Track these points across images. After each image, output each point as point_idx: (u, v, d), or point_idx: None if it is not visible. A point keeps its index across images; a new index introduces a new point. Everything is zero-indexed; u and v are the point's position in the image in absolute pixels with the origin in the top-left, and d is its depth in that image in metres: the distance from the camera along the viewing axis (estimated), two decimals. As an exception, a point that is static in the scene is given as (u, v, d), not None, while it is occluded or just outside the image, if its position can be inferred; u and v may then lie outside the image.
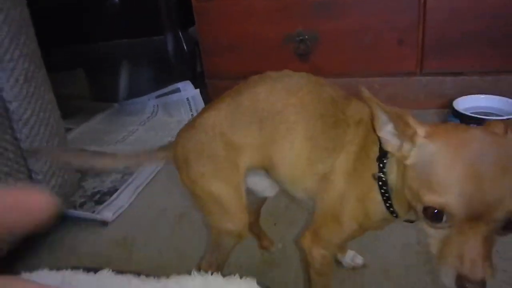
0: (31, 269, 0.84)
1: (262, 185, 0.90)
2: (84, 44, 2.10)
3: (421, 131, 0.57)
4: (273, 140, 0.78)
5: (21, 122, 1.07)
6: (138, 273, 0.81)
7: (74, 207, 1.42)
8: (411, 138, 0.57)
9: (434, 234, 0.55)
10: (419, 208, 0.55)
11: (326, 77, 2.05)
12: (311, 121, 0.76)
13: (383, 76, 1.87)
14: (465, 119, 1.57)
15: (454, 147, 0.53)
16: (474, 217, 0.50)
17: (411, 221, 0.70)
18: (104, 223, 1.33)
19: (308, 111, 0.76)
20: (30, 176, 1.12)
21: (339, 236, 0.78)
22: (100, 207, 1.40)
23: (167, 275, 0.81)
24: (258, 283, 0.73)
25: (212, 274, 0.77)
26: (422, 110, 1.81)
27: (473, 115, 1.58)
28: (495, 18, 1.68)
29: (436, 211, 0.52)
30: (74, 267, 0.83)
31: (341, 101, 0.76)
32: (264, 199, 1.04)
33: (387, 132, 0.61)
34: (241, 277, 0.74)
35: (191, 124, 0.85)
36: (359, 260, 1.06)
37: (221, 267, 0.94)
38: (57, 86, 2.56)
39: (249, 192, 0.87)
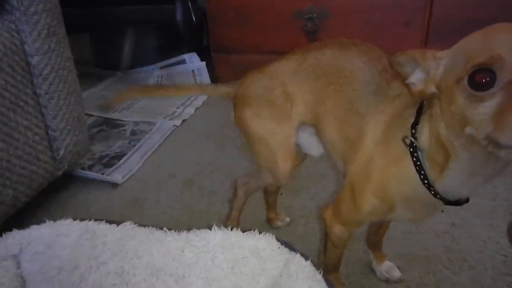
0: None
1: (309, 143, 0.92)
2: (91, 8, 2.08)
3: (439, 53, 0.60)
4: (322, 98, 0.82)
5: (41, 77, 1.09)
6: (159, 226, 0.85)
7: (83, 169, 1.44)
8: (434, 58, 0.60)
9: (483, 110, 0.51)
10: (464, 83, 0.52)
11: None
12: (353, 86, 0.78)
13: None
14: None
15: (483, 32, 0.56)
16: None
17: (451, 203, 0.65)
18: (114, 185, 1.35)
19: (355, 77, 0.79)
20: (46, 132, 1.14)
21: (358, 213, 0.77)
22: (110, 169, 1.43)
23: (187, 228, 0.85)
24: (277, 238, 0.77)
25: (232, 229, 0.81)
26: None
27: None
28: (501, 8, 1.72)
29: (485, 76, 0.50)
30: (97, 219, 0.86)
31: (391, 74, 0.77)
32: (304, 158, 1.06)
33: (414, 77, 0.62)
34: (260, 233, 0.78)
35: (260, 69, 0.90)
36: (396, 273, 0.98)
37: (248, 194, 1.04)
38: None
39: (296, 146, 0.90)
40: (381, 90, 0.76)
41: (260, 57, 2.10)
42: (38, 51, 1.05)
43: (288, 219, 1.18)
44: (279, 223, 1.16)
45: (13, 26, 1.00)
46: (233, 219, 1.07)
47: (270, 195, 1.13)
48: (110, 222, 0.87)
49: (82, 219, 0.87)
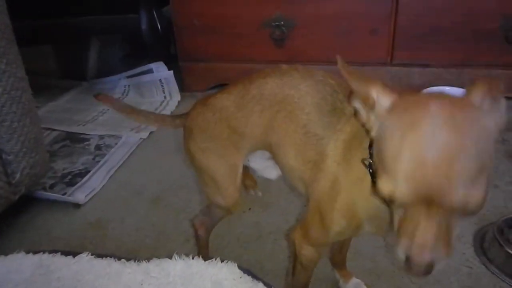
0: (4, 251, 0.82)
1: (265, 166, 0.92)
2: (53, 19, 2.01)
3: (385, 101, 0.54)
4: (272, 128, 0.81)
5: (-8, 100, 1.03)
6: (118, 257, 0.82)
7: (44, 189, 1.39)
8: (372, 109, 0.55)
9: (395, 211, 0.53)
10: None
11: (302, 63, 2.06)
12: (305, 110, 0.77)
13: (356, 65, 1.91)
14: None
15: (406, 125, 0.50)
16: (424, 203, 0.48)
17: None
18: (76, 205, 1.30)
19: (305, 101, 0.78)
20: (0, 156, 1.08)
21: (327, 233, 0.76)
22: (72, 188, 1.38)
23: (146, 258, 0.82)
24: (239, 267, 0.75)
25: (193, 258, 0.79)
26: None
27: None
28: (464, 15, 1.75)
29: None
30: (52, 251, 0.82)
31: (343, 93, 0.76)
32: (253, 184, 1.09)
33: (357, 102, 0.59)
34: (222, 261, 0.76)
35: (205, 101, 0.89)
36: None
37: (209, 231, 1.04)
38: (23, 62, 2.45)
39: (251, 170, 0.90)
40: (336, 109, 0.75)
41: (229, 65, 2.08)
42: (-13, 73, 1.00)
43: (260, 193, 1.27)
44: (252, 192, 1.25)
45: (-43, 48, 0.94)
46: (204, 257, 1.04)
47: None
48: (66, 253, 0.83)
49: (35, 252, 0.83)
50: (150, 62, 2.05)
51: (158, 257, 1.07)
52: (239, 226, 1.20)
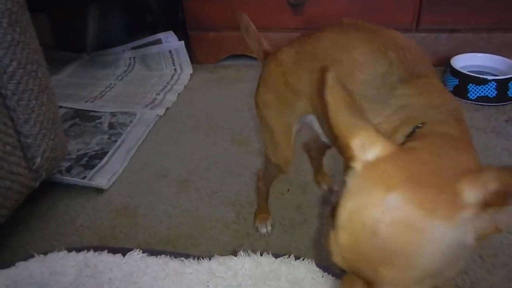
0: (31, 244, 0.72)
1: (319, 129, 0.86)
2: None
3: (364, 157, 0.45)
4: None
5: (6, 76, 0.90)
6: (173, 253, 0.73)
7: (60, 172, 1.27)
8: (349, 161, 0.47)
9: None
10: None
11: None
12: (351, 85, 0.66)
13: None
14: (465, 79, 1.56)
15: (359, 194, 0.43)
16: (357, 275, 0.44)
17: None
18: (99, 191, 1.20)
19: (353, 75, 0.68)
20: (18, 140, 0.97)
21: None
22: (91, 172, 1.27)
23: (207, 256, 0.73)
24: (317, 264, 0.67)
25: (262, 254, 0.70)
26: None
27: (472, 74, 1.56)
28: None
29: None
30: (97, 248, 0.73)
31: (400, 73, 0.65)
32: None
33: None
34: (297, 258, 0.67)
35: (275, 51, 0.85)
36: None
37: (267, 185, 1.03)
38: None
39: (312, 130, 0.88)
40: (380, 97, 0.64)
41: (236, 34, 1.94)
42: (0, 44, 0.87)
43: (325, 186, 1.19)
44: (324, 186, 1.18)
45: (-34, 15, 0.81)
46: (261, 209, 1.07)
47: (313, 159, 1.19)
48: (113, 251, 0.74)
49: (78, 249, 0.73)
50: (157, 32, 1.90)
51: (199, 246, 1.00)
52: (280, 209, 1.11)
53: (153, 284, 0.67)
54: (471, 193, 0.39)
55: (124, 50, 2.01)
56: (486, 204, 0.39)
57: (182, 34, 1.93)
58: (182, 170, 1.28)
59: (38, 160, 1.02)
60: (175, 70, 1.92)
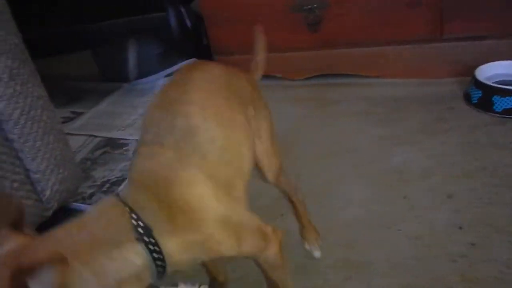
0: None
1: None
2: (88, 25, 2.04)
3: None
4: None
5: (11, 122, 1.04)
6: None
7: (83, 199, 1.41)
8: None
9: None
10: None
11: (337, 48, 1.90)
12: None
13: (397, 44, 1.74)
14: (488, 90, 1.44)
15: None
16: None
17: None
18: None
19: None
20: (27, 176, 1.10)
21: None
22: (107, 198, 1.39)
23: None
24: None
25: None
26: (440, 79, 1.68)
27: (496, 85, 1.44)
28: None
29: None
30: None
31: None
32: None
33: None
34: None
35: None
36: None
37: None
38: (66, 68, 2.54)
39: None
40: None
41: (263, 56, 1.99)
42: (2, 97, 1.01)
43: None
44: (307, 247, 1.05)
45: (-31, 76, 0.95)
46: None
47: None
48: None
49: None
50: (184, 60, 2.01)
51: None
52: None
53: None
54: None
55: (158, 78, 2.16)
56: None
57: (207, 59, 2.02)
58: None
59: (48, 192, 1.15)
60: (201, 94, 2.01)
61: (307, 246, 1.04)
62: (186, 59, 2.00)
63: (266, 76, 2.00)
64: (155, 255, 0.57)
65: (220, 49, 2.00)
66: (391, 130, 1.45)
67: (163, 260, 0.58)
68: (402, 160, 1.29)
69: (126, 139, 1.77)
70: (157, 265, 0.57)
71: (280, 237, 0.71)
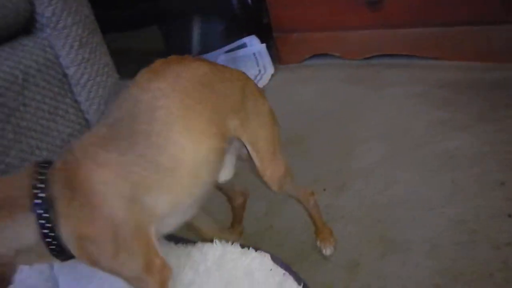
0: None
1: None
2: (156, 2, 2.15)
3: None
4: None
5: (79, 86, 1.15)
6: (169, 238, 0.85)
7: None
8: None
9: None
10: None
11: (398, 28, 1.83)
12: None
13: (462, 25, 1.64)
14: None
15: None
16: None
17: None
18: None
19: None
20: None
21: None
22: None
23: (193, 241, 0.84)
24: (272, 258, 0.73)
25: (232, 243, 0.79)
26: (505, 64, 1.56)
27: None
28: None
29: None
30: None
31: None
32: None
33: None
34: (256, 250, 0.74)
35: None
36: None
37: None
38: (136, 43, 2.68)
39: None
40: None
41: (323, 35, 1.98)
42: (72, 63, 1.11)
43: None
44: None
45: (46, 42, 1.06)
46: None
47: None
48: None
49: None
50: (243, 37, 2.06)
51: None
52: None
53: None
54: None
55: (219, 54, 2.23)
56: None
57: (266, 37, 2.05)
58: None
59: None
60: (259, 71, 2.05)
61: (319, 245, 1.00)
62: (247, 36, 2.05)
63: (323, 55, 2.02)
64: (45, 231, 0.54)
65: (281, 27, 2.01)
66: (448, 114, 1.40)
67: (57, 239, 0.55)
68: (456, 145, 1.25)
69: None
70: (48, 243, 0.55)
71: (166, 276, 0.63)
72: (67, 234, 0.56)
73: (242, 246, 0.76)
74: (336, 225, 1.08)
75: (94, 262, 0.59)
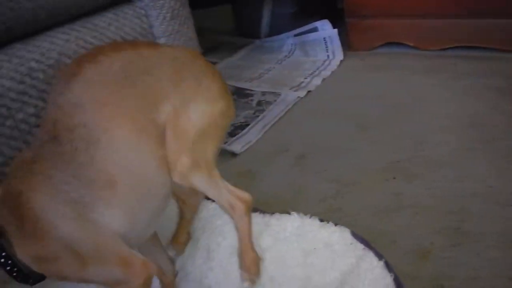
0: None
1: None
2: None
3: None
4: None
5: (167, 57, 1.21)
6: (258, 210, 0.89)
7: (210, 136, 1.58)
8: None
9: None
10: None
11: (481, 18, 1.78)
12: None
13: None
14: None
15: None
16: None
17: None
18: (233, 154, 1.46)
19: None
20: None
21: None
22: (232, 139, 1.54)
23: (280, 210, 0.88)
24: (352, 233, 0.75)
25: (310, 217, 0.82)
26: None
27: None
28: None
29: None
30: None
31: None
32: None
33: None
34: (335, 225, 0.77)
35: None
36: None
37: None
38: (206, 20, 2.75)
39: None
40: None
41: (397, 21, 1.93)
42: (164, 33, 1.17)
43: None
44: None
45: (142, 11, 1.13)
46: None
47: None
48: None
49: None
50: (315, 21, 2.05)
51: (294, 207, 1.15)
52: (378, 194, 1.17)
53: (224, 227, 0.86)
54: None
55: (288, 37, 2.24)
56: None
57: (338, 22, 2.03)
58: (302, 147, 1.43)
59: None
60: (328, 56, 2.05)
61: (239, 272, 0.78)
62: (319, 20, 2.04)
63: (395, 43, 1.98)
64: (2, 260, 0.55)
65: (354, 12, 1.99)
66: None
67: (16, 265, 0.56)
68: (537, 142, 1.20)
69: (251, 90, 1.90)
70: (9, 271, 0.56)
71: (150, 271, 0.62)
72: (26, 259, 0.57)
73: (321, 220, 0.79)
74: (405, 213, 1.08)
75: (64, 278, 0.60)
